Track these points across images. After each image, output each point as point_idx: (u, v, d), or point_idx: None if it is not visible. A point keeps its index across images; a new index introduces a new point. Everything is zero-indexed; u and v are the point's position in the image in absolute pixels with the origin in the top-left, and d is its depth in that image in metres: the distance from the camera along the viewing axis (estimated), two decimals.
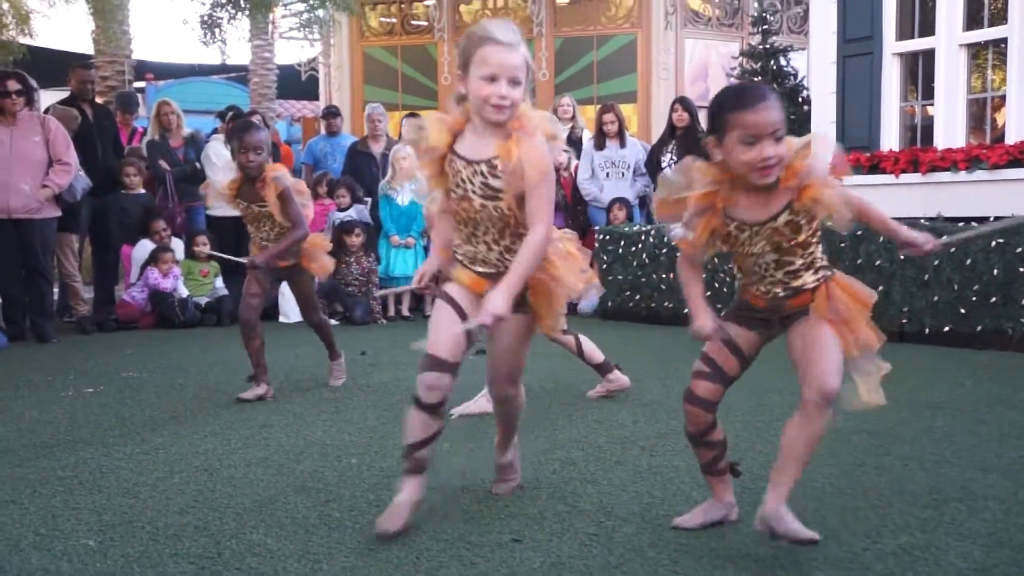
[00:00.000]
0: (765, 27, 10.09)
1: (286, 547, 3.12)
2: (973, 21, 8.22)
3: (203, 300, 9.59)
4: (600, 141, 10.35)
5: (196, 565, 2.98)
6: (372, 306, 9.65)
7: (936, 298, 7.09)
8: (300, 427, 4.87)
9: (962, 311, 6.98)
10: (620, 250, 9.24)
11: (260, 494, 3.71)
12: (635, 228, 9.35)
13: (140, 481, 3.91)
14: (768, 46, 9.96)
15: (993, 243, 6.79)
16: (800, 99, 9.70)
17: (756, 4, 11.24)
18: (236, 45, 28.69)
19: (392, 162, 9.93)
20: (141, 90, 16.29)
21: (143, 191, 9.78)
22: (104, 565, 3.00)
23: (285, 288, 9.69)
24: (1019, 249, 6.68)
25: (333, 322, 9.51)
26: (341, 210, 10.09)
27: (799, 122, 9.42)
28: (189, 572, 2.93)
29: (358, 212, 10.07)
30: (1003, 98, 8.04)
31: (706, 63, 14.02)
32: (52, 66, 14.67)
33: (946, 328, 7.07)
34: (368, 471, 4.02)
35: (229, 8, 12.49)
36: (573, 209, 10.64)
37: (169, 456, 4.32)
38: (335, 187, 10.33)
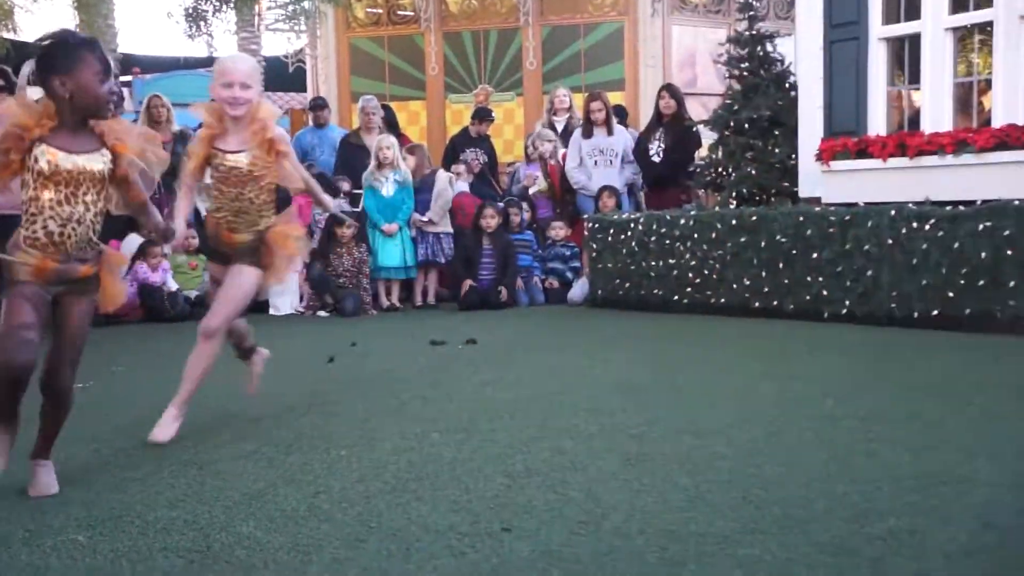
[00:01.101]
0: (752, 13, 10.05)
1: (276, 539, 3.12)
2: (959, 5, 8.22)
3: (193, 293, 9.58)
4: (588, 129, 10.35)
5: (185, 559, 2.98)
6: (363, 297, 9.65)
7: (924, 282, 7.10)
8: (290, 419, 4.87)
9: (950, 294, 6.99)
10: (609, 238, 9.24)
11: (249, 487, 3.71)
12: (624, 216, 9.36)
13: (129, 476, 3.91)
14: (755, 32, 9.93)
15: (980, 227, 6.81)
16: (787, 85, 9.69)
17: None
18: (222, 38, 28.52)
19: (376, 153, 9.93)
20: (128, 84, 16.22)
21: None
22: (94, 560, 3.00)
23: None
24: (1006, 232, 6.70)
25: (323, 314, 9.55)
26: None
27: (786, 109, 9.41)
28: (179, 566, 2.94)
29: (336, 206, 10.01)
30: (989, 82, 8.05)
31: (693, 50, 14.01)
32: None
33: (935, 312, 7.08)
34: (357, 462, 4.02)
35: (214, 1, 12.43)
36: (562, 197, 10.65)
37: (158, 450, 4.32)
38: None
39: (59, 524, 3.33)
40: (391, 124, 11.42)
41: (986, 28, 8.08)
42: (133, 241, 9.51)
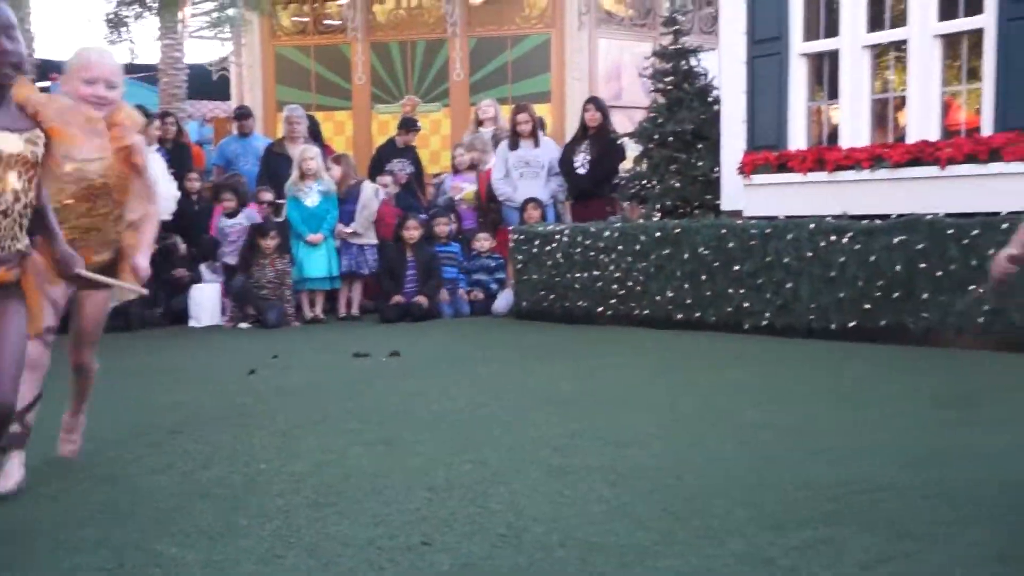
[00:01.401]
0: (676, 28, 10.16)
1: (191, 556, 3.06)
2: (876, 23, 8.38)
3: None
4: (514, 141, 10.36)
5: None
6: (286, 309, 9.53)
7: (842, 294, 7.22)
8: (208, 433, 4.78)
9: (866, 307, 7.12)
10: (535, 250, 9.25)
11: (164, 503, 3.64)
12: (549, 228, 9.38)
13: (39, 493, 3.81)
14: (679, 47, 10.04)
15: (895, 240, 6.95)
16: (711, 99, 9.80)
17: (668, 4, 11.33)
18: (145, 44, 28.05)
19: (299, 163, 9.84)
20: (46, 90, 15.87)
21: None
22: None
23: (195, 291, 9.61)
24: (919, 246, 6.85)
25: (244, 326, 9.42)
26: (228, 215, 9.93)
27: (709, 122, 9.52)
28: None
29: (247, 217, 9.90)
30: (904, 98, 8.23)
31: (619, 64, 14.11)
32: None
33: (851, 324, 7.21)
34: (276, 477, 3.97)
35: (135, 6, 12.21)
36: (487, 208, 10.65)
37: (70, 466, 4.22)
38: (220, 190, 10.15)
39: None
40: (315, 134, 11.33)
41: (901, 46, 8.26)
42: None
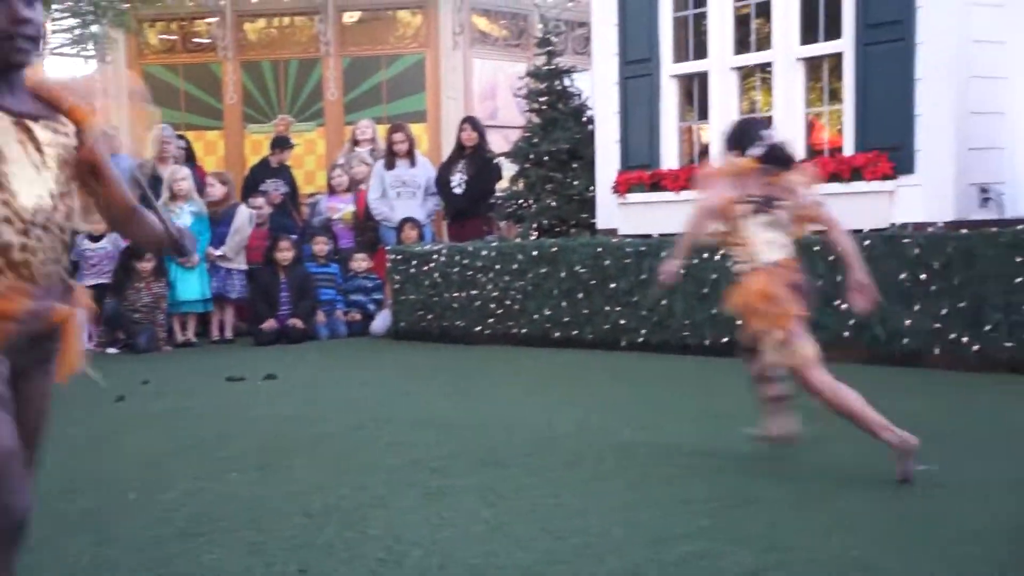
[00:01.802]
0: (550, 48, 10.30)
1: None
2: (742, 46, 8.63)
3: None
4: (390, 161, 10.33)
5: None
6: (157, 332, 9.29)
7: (714, 311, 7.38)
8: (74, 463, 4.61)
9: (739, 322, 7.27)
10: (412, 269, 9.23)
11: (28, 535, 3.49)
12: (426, 247, 9.37)
13: None
14: (553, 67, 10.18)
15: None
16: (585, 119, 9.95)
17: (541, 26, 11.46)
18: None
19: (169, 184, 9.64)
20: None
21: None
22: None
23: None
24: None
25: (112, 351, 9.15)
26: (92, 238, 9.54)
27: (584, 142, 9.65)
28: None
29: (112, 242, 9.59)
30: (770, 118, 8.48)
31: (494, 83, 14.22)
32: None
33: (724, 339, 7.36)
34: (147, 505, 3.85)
35: None
36: (364, 226, 10.59)
37: None
38: None
39: None
40: (188, 154, 11.11)
41: (766, 68, 8.52)
42: None
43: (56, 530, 3.55)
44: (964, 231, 6.66)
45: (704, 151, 8.93)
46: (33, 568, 3.15)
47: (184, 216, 9.58)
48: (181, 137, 11.25)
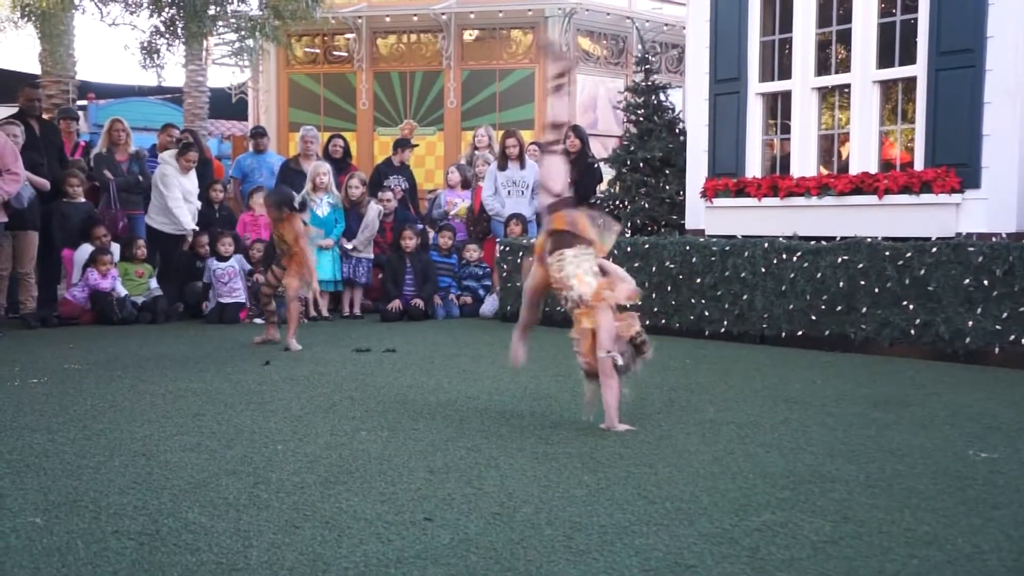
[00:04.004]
0: (647, 66, 10.24)
1: (219, 525, 3.05)
2: (823, 68, 8.46)
3: (139, 299, 9.34)
4: (503, 162, 10.37)
5: (136, 541, 2.90)
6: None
7: (791, 306, 7.27)
8: (230, 416, 4.77)
9: (813, 317, 7.17)
10: (518, 260, 9.25)
11: (194, 477, 3.62)
12: (531, 241, 9.38)
13: (83, 464, 3.79)
14: (650, 83, 10.11)
15: (839, 259, 7.00)
16: (677, 130, 9.87)
17: (640, 46, 11.39)
18: (172, 69, 27.87)
19: (312, 177, 9.83)
20: (83, 108, 15.78)
21: (84, 200, 9.49)
22: (50, 541, 2.90)
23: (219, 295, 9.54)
24: (860, 265, 6.90)
25: (259, 321, 9.34)
26: (220, 259, 9.49)
27: (676, 151, 9.58)
28: (130, 548, 2.85)
29: (238, 261, 9.61)
30: (847, 134, 8.30)
31: (595, 96, 14.18)
32: (2, 85, 14.12)
33: (799, 332, 7.26)
34: (293, 456, 3.96)
35: (167, 36, 12.16)
36: (478, 220, 10.66)
37: (109, 441, 4.20)
38: (217, 237, 9.65)
39: (17, 507, 3.21)
40: (347, 154, 11.34)
41: (844, 89, 8.33)
42: (85, 250, 9.24)
43: (217, 472, 3.68)
44: None
45: (785, 163, 8.79)
46: (202, 502, 3.28)
47: (323, 205, 9.77)
48: (345, 141, 11.44)
